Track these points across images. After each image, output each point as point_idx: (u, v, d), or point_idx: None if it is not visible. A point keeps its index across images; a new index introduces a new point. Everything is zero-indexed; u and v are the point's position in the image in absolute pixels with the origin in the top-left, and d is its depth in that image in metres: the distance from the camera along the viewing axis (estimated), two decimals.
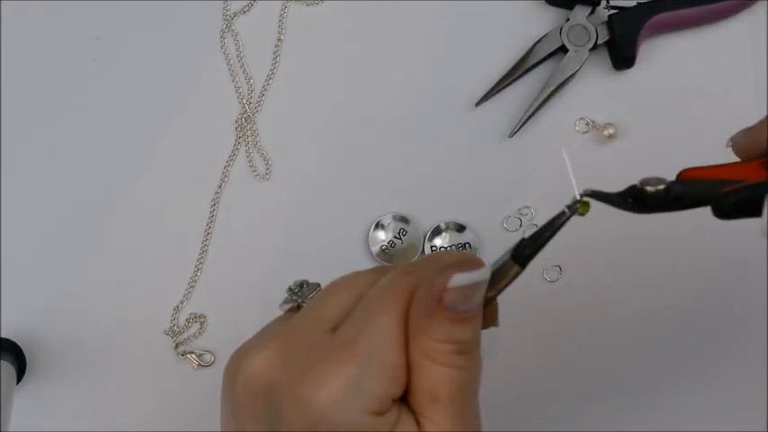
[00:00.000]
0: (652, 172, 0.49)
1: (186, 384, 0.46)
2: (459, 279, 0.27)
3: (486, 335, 0.46)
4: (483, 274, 0.27)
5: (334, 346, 0.28)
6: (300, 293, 0.34)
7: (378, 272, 0.31)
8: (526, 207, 0.48)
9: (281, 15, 0.53)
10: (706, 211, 0.47)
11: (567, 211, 0.28)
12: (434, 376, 0.28)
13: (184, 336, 0.47)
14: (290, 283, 0.34)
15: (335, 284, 0.31)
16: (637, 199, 0.29)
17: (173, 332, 0.47)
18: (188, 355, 0.47)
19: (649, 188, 0.28)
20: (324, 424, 0.27)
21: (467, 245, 0.47)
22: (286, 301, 0.34)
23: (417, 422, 0.28)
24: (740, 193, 0.27)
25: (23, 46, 0.52)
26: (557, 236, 0.45)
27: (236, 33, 0.53)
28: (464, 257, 0.28)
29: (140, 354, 0.47)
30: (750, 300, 0.46)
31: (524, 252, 0.28)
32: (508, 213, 0.48)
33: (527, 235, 0.29)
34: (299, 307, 0.33)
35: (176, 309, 0.48)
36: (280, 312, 0.33)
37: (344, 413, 0.27)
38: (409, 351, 0.28)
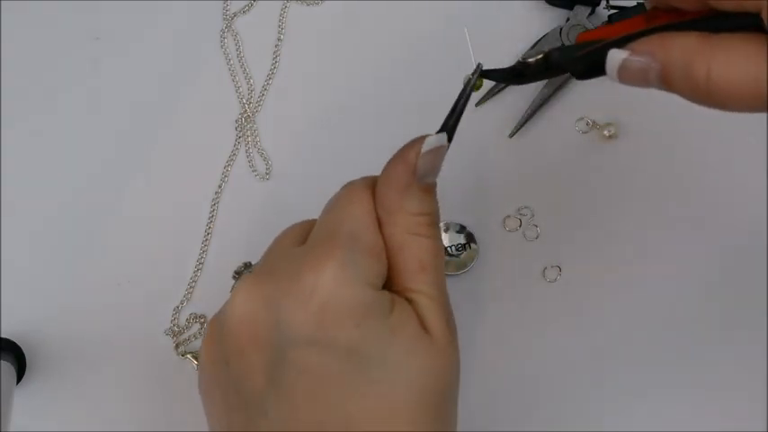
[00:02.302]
0: (652, 171, 0.49)
1: (186, 384, 0.46)
2: (431, 141, 0.30)
3: (487, 334, 0.46)
4: (443, 138, 0.31)
5: (316, 243, 0.29)
6: (248, 271, 0.34)
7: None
8: (526, 207, 0.48)
9: (281, 15, 0.53)
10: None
11: (471, 77, 0.32)
12: (421, 247, 0.30)
13: (184, 336, 0.47)
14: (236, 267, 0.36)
15: (285, 230, 0.33)
16: (519, 73, 0.32)
17: (173, 332, 0.47)
18: (188, 355, 0.47)
19: (530, 60, 0.31)
20: (331, 306, 0.27)
21: (467, 245, 0.47)
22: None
23: (407, 300, 0.30)
24: (590, 55, 0.29)
25: (23, 46, 0.52)
26: (555, 237, 0.45)
27: (236, 33, 0.53)
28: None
29: (140, 354, 0.47)
30: (750, 299, 0.46)
31: (449, 123, 0.32)
32: (508, 213, 0.48)
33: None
34: None
35: (176, 309, 0.48)
36: None
37: (349, 287, 0.28)
38: (389, 233, 0.30)
